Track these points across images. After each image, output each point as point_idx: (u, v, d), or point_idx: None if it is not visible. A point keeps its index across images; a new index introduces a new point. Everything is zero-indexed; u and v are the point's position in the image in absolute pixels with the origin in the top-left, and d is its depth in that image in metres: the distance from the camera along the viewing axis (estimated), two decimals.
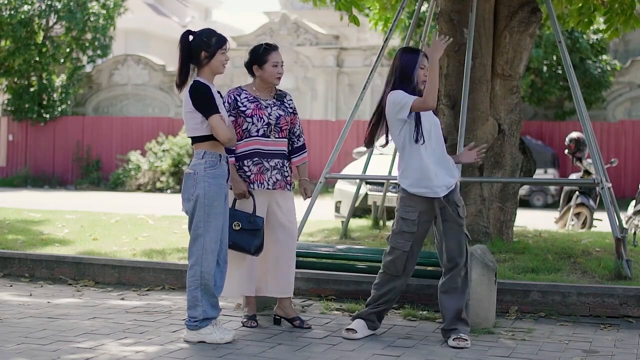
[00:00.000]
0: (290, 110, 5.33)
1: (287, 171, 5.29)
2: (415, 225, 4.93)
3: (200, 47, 4.78)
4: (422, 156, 4.91)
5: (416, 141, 4.88)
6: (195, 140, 4.81)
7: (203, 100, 4.72)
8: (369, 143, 5.20)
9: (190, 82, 4.81)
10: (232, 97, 5.21)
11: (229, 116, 5.06)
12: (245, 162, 5.16)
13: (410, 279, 5.63)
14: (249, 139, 5.17)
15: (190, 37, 4.83)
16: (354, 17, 8.69)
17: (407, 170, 4.97)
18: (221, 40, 4.82)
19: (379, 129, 5.11)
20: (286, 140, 5.32)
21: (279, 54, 5.27)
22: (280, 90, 5.39)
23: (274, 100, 5.29)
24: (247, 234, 5.00)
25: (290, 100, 5.39)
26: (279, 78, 5.25)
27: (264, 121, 5.19)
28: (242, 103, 5.19)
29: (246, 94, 5.25)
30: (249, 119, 5.16)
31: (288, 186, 5.29)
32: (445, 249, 4.95)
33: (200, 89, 4.74)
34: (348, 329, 4.97)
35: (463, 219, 4.98)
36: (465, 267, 4.98)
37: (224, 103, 5.01)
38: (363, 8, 9.73)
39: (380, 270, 5.06)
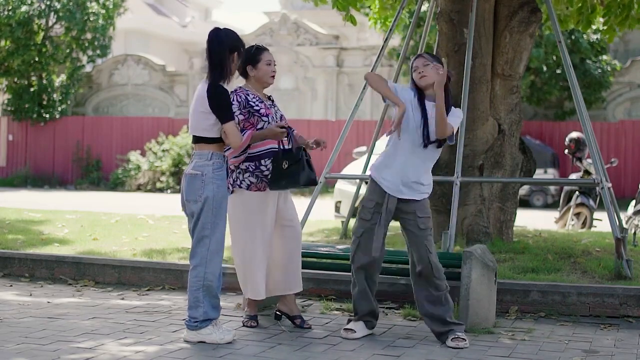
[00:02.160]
0: (282, 113, 5.40)
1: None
2: (370, 213, 4.94)
3: (233, 48, 4.72)
4: (399, 150, 4.91)
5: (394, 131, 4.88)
6: (202, 140, 4.77)
7: (223, 106, 4.67)
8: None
9: (205, 81, 4.75)
10: (242, 97, 5.14)
11: (238, 114, 5.06)
12: (263, 161, 5.13)
13: (403, 278, 5.66)
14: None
15: (219, 34, 4.74)
16: (351, 16, 8.69)
17: (381, 157, 5.03)
18: (243, 50, 4.82)
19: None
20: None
21: (270, 53, 5.30)
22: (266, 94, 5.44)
23: (271, 102, 5.33)
24: (294, 168, 5.03)
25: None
26: (273, 77, 5.26)
27: (276, 120, 5.20)
28: (254, 102, 5.18)
29: (252, 94, 5.23)
30: (264, 118, 5.13)
31: None
32: (409, 255, 4.97)
33: (223, 94, 4.68)
34: (347, 329, 4.97)
35: (424, 230, 4.89)
36: (434, 277, 4.88)
37: (232, 102, 4.97)
38: (360, 8, 9.73)
39: None
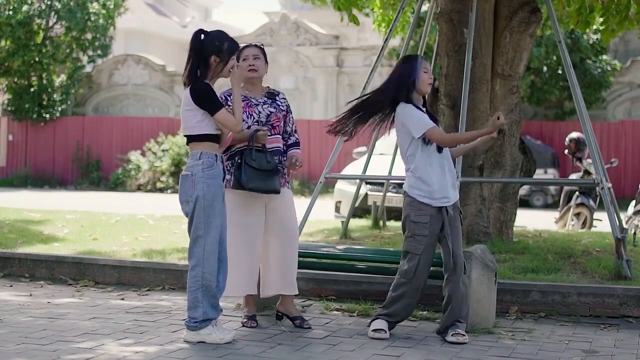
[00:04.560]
0: (283, 108, 5.35)
1: (283, 168, 5.30)
2: (427, 228, 4.94)
3: (211, 50, 4.75)
4: (432, 166, 4.96)
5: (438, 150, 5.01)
6: (193, 139, 4.79)
7: (208, 99, 4.71)
8: (347, 134, 5.30)
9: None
10: (223, 97, 5.17)
11: None
12: (237, 158, 5.13)
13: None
14: None
15: (202, 36, 4.78)
16: (354, 16, 8.68)
17: (417, 180, 4.98)
18: (233, 47, 4.80)
19: (373, 126, 5.26)
20: (279, 137, 5.33)
21: (251, 48, 5.27)
22: (272, 90, 5.42)
23: (265, 99, 5.31)
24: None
25: (284, 98, 5.41)
26: (251, 70, 5.22)
27: (253, 118, 5.20)
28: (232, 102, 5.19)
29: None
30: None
31: (286, 184, 5.30)
32: (451, 253, 4.97)
33: (205, 89, 4.73)
34: (376, 330, 4.95)
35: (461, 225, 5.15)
36: (464, 272, 5.05)
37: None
38: (362, 8, 9.73)
39: (397, 274, 5.06)
